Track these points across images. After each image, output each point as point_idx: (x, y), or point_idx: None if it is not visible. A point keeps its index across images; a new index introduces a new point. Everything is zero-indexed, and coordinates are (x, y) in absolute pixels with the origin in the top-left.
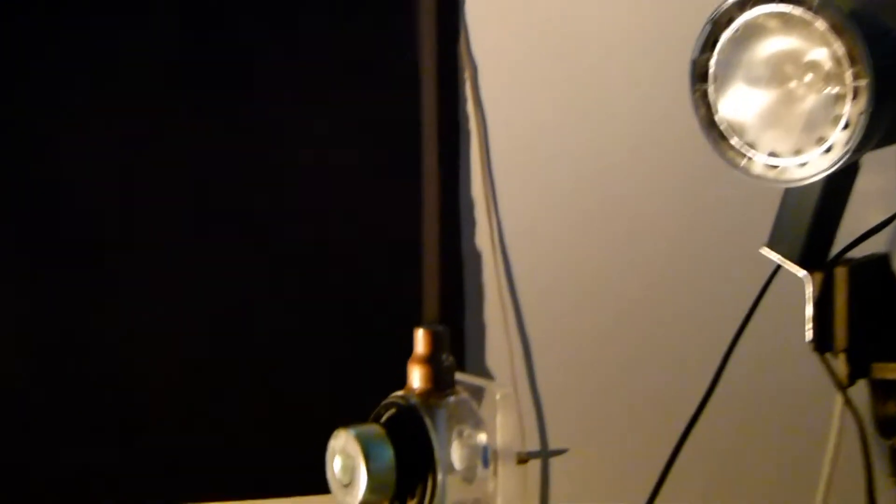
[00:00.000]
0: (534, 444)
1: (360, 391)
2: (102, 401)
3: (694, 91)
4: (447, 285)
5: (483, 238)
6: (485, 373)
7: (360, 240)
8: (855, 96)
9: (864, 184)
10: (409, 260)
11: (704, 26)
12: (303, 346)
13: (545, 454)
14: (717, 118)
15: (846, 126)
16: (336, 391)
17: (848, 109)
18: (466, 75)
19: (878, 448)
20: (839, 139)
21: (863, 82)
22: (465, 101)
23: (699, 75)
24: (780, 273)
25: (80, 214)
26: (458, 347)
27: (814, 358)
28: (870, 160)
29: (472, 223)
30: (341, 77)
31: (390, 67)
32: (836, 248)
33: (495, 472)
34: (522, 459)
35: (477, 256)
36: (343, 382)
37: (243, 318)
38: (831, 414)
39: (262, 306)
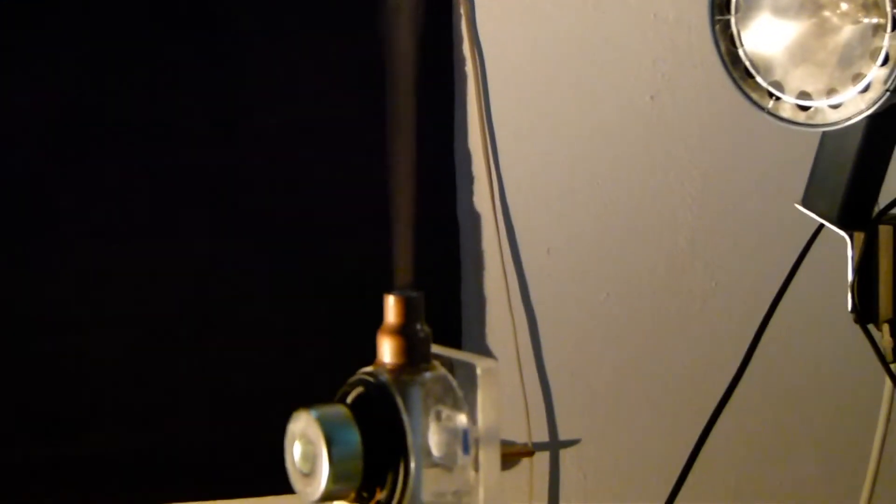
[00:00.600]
0: (542, 434)
1: (340, 366)
2: (53, 391)
3: (714, 22)
4: (440, 253)
5: (482, 197)
6: (485, 353)
7: (336, 199)
8: (895, 26)
9: None
10: (395, 221)
11: None
12: (277, 322)
13: (554, 445)
14: (740, 53)
15: (886, 60)
16: (314, 367)
17: (888, 42)
18: (462, 11)
19: None
20: (878, 76)
21: None
22: (460, 40)
23: (720, 4)
24: (821, 231)
25: (33, 190)
26: (455, 323)
27: (856, 329)
28: None
29: (470, 180)
30: (320, 13)
31: (373, 6)
32: (881, 204)
33: (477, 460)
34: (528, 452)
35: (475, 219)
36: (314, 359)
37: (209, 288)
38: (879, 394)
39: (231, 278)
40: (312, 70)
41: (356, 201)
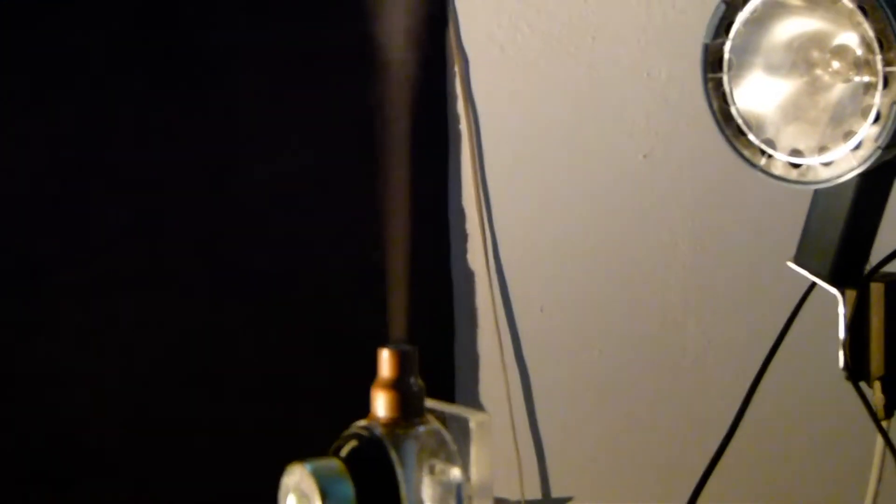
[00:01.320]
0: (534, 492)
1: (325, 420)
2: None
3: (707, 80)
4: (434, 310)
5: (476, 255)
6: (478, 409)
7: (330, 255)
8: (886, 84)
9: None
10: (390, 278)
11: (718, 7)
12: (263, 371)
13: (547, 503)
14: (732, 111)
15: (877, 118)
16: (298, 420)
17: (878, 99)
18: (456, 69)
19: None
20: (869, 133)
21: (895, 69)
22: (454, 98)
23: (712, 63)
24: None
25: (18, 237)
26: (448, 381)
27: (849, 387)
28: None
29: (464, 238)
30: (313, 71)
31: (369, 60)
32: (872, 262)
33: None
34: None
35: (469, 276)
36: (307, 411)
37: (201, 342)
38: (870, 450)
39: (223, 330)
40: (306, 124)
41: (350, 256)
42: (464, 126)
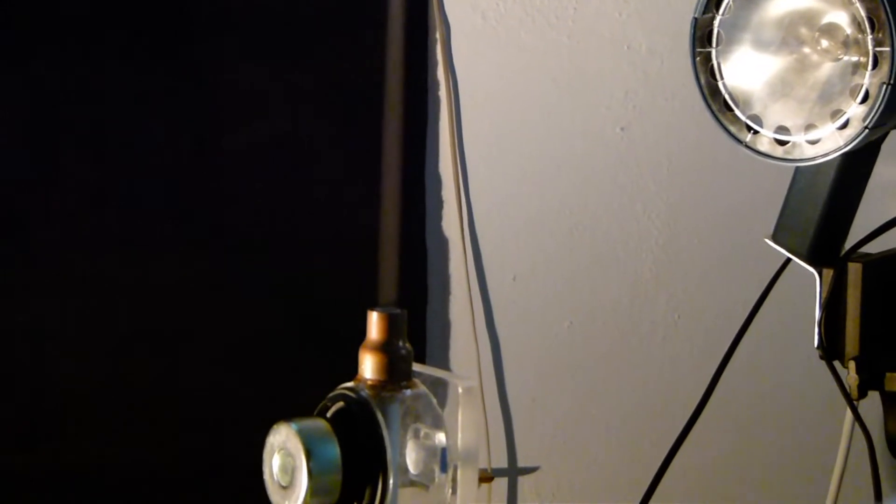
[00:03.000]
0: (501, 461)
1: (310, 382)
2: (19, 400)
3: (695, 55)
4: (407, 275)
5: (451, 222)
6: None
7: (307, 219)
8: (876, 65)
9: (884, 169)
10: (366, 243)
11: None
12: (246, 336)
13: (513, 472)
14: (720, 86)
15: (865, 98)
16: (283, 383)
17: (867, 79)
18: (437, 36)
19: (889, 468)
20: (857, 113)
21: (885, 49)
22: (434, 64)
23: (701, 37)
24: (787, 268)
25: None
26: (419, 347)
27: (822, 366)
28: (891, 142)
29: (439, 204)
30: (293, 34)
31: (349, 25)
32: (851, 242)
33: (454, 479)
34: (487, 477)
35: (443, 243)
36: (290, 374)
37: (183, 303)
38: (840, 429)
39: (201, 292)
40: (285, 88)
41: (326, 220)
42: (443, 93)
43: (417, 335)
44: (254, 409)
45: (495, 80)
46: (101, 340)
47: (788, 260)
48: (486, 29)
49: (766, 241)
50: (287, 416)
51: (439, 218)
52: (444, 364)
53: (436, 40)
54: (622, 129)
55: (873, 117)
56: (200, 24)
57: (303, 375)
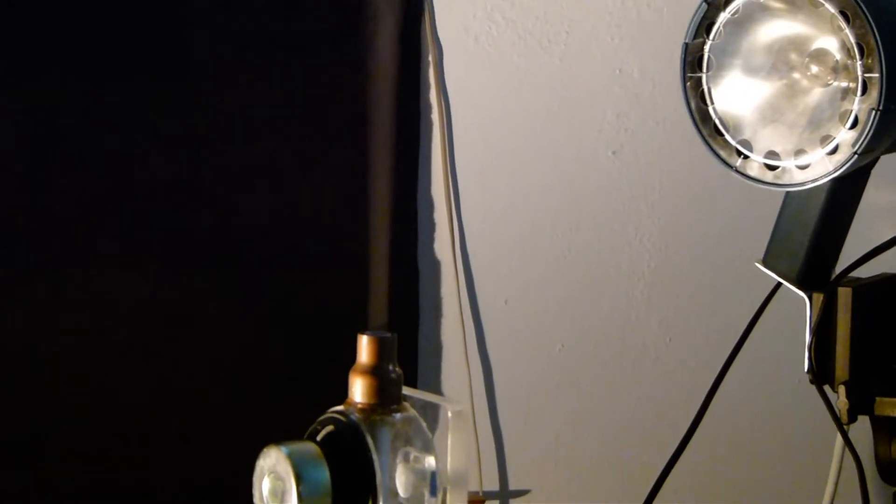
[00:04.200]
0: (492, 483)
1: (300, 405)
2: (9, 417)
3: (686, 80)
4: (399, 297)
5: (443, 245)
6: None
7: (300, 241)
8: (865, 90)
9: (873, 194)
10: (358, 265)
11: (699, 6)
12: (236, 358)
13: (505, 495)
14: (710, 111)
15: (854, 124)
16: (273, 405)
17: (857, 105)
18: (430, 58)
19: (879, 492)
20: (846, 139)
21: (874, 75)
22: (427, 87)
23: (692, 62)
24: (778, 292)
25: None
26: (410, 370)
27: (812, 390)
28: (880, 166)
29: (431, 227)
30: (286, 56)
31: (344, 48)
32: (841, 266)
33: (444, 502)
34: (478, 501)
35: (435, 265)
36: (280, 396)
37: (173, 322)
38: (830, 454)
39: (192, 312)
40: (280, 110)
41: (319, 241)
42: (436, 116)
43: (409, 358)
44: (244, 432)
45: (488, 102)
46: (93, 357)
47: (779, 284)
48: (479, 52)
49: (757, 265)
50: (277, 439)
51: (431, 240)
52: (435, 387)
53: (428, 63)
54: (614, 152)
55: (862, 143)
56: (196, 44)
57: (293, 398)
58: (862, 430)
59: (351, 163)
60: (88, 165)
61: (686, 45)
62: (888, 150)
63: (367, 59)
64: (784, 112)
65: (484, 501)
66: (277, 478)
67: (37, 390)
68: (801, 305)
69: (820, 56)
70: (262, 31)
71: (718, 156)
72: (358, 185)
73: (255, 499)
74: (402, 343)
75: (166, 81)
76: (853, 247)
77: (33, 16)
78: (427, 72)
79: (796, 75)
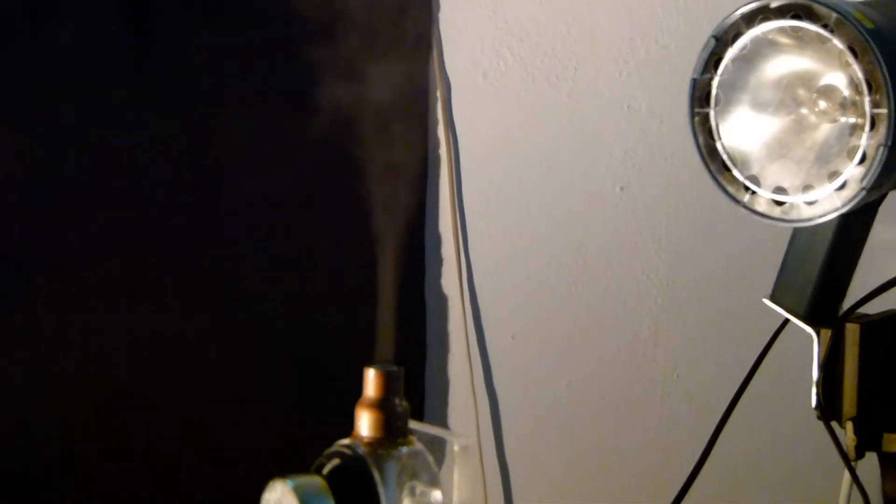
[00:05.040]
0: None
1: (306, 439)
2: (18, 455)
3: (693, 115)
4: (406, 332)
5: (450, 280)
6: None
7: (307, 275)
8: (873, 126)
9: (881, 229)
10: (365, 300)
11: (707, 42)
12: (244, 391)
13: None
14: (718, 146)
15: (863, 160)
16: (279, 438)
17: (865, 141)
18: (438, 94)
19: None
20: (854, 174)
21: (882, 111)
22: (435, 122)
23: (700, 98)
24: (786, 327)
25: None
26: (418, 405)
27: (819, 426)
28: (888, 202)
29: (439, 262)
30: (293, 90)
31: (352, 83)
32: (848, 302)
33: None
34: None
35: (442, 300)
36: (286, 430)
37: (181, 356)
38: (838, 490)
39: (199, 347)
40: (287, 145)
41: (327, 275)
42: (444, 151)
43: (416, 392)
44: (250, 466)
45: (495, 138)
46: (98, 392)
47: (787, 320)
48: (487, 88)
49: (765, 300)
50: (283, 472)
51: (439, 275)
52: (442, 421)
53: (437, 98)
54: (622, 188)
55: (870, 179)
56: (201, 80)
57: (300, 432)
58: (870, 466)
59: (358, 198)
60: (93, 202)
61: (694, 80)
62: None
63: (375, 94)
64: (792, 148)
65: None
66: None
67: (39, 427)
68: (808, 341)
69: (828, 92)
70: (268, 66)
71: (726, 191)
72: (365, 220)
73: None
74: (409, 377)
75: (171, 120)
76: (861, 283)
77: (39, 52)
78: (435, 107)
79: (804, 111)
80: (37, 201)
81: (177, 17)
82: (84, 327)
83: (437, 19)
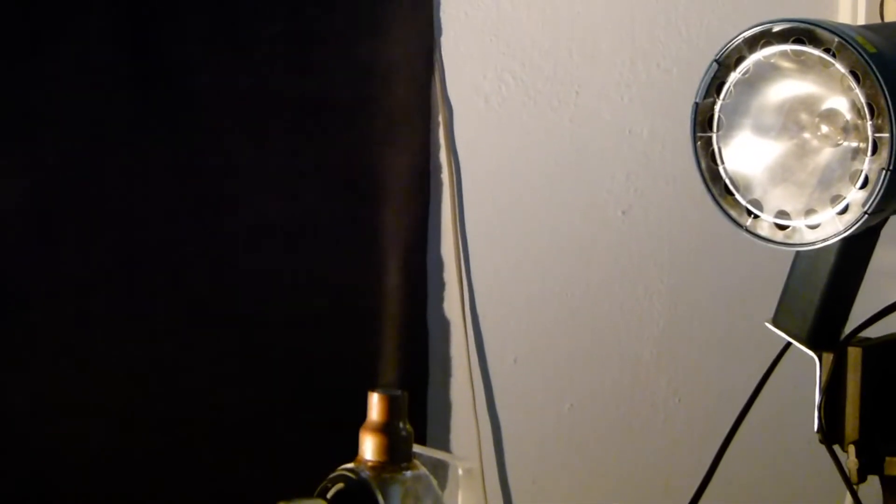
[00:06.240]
0: None
1: (309, 463)
2: (17, 480)
3: (696, 139)
4: (408, 357)
5: (452, 304)
6: None
7: (309, 300)
8: (875, 150)
9: (883, 254)
10: (368, 324)
11: (710, 66)
12: (246, 416)
13: None
14: (720, 170)
15: (865, 184)
16: (283, 463)
17: (867, 165)
18: (440, 119)
19: None
20: (856, 198)
21: (885, 135)
22: (437, 147)
23: (702, 122)
24: (788, 351)
25: None
26: (420, 429)
27: (822, 449)
28: (889, 226)
29: (441, 286)
30: (294, 114)
31: (352, 107)
32: (851, 326)
33: None
34: None
35: (444, 324)
36: (288, 454)
37: (180, 380)
38: None
39: (201, 372)
40: (289, 170)
41: (329, 300)
42: (445, 175)
43: (418, 416)
44: (254, 490)
45: (497, 162)
46: (96, 416)
47: (789, 343)
48: (489, 112)
49: (767, 324)
50: (288, 496)
51: (441, 299)
52: (444, 446)
53: (438, 123)
54: (623, 212)
55: (873, 202)
56: (202, 104)
57: (303, 456)
58: (872, 490)
59: (360, 222)
60: (93, 226)
61: (696, 104)
62: None
63: (377, 118)
64: (794, 172)
65: None
66: None
67: (37, 451)
68: (811, 365)
69: (830, 116)
70: (272, 89)
71: (729, 215)
72: (367, 245)
73: None
74: (411, 401)
75: (171, 144)
76: (863, 306)
77: (39, 72)
78: (437, 132)
79: (807, 135)
80: (36, 222)
81: (179, 38)
82: (83, 348)
83: (440, 43)
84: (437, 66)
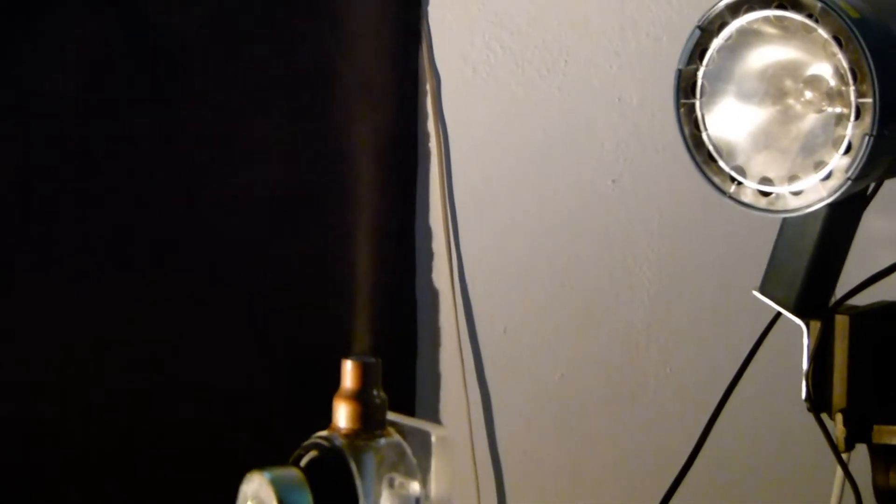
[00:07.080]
0: None
1: (285, 431)
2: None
3: (679, 106)
4: (397, 327)
5: (441, 274)
6: None
7: (296, 271)
8: (858, 116)
9: (870, 220)
10: (355, 294)
11: (692, 32)
12: (234, 388)
13: None
14: (704, 137)
15: (848, 149)
16: (258, 430)
17: (850, 131)
18: (428, 88)
19: None
20: (840, 164)
21: (868, 100)
22: (425, 116)
23: (685, 88)
24: (778, 320)
25: None
26: (408, 399)
27: (810, 418)
28: (880, 194)
29: (429, 256)
30: (283, 86)
31: (340, 77)
32: (839, 294)
33: None
34: None
35: (433, 295)
36: (275, 424)
37: (164, 352)
38: (830, 482)
39: (190, 342)
40: (275, 139)
41: (317, 270)
42: (433, 144)
43: (407, 387)
44: (228, 458)
45: (485, 132)
46: (89, 390)
47: (780, 314)
48: (477, 81)
49: (754, 292)
50: (261, 464)
51: (429, 270)
52: (434, 416)
53: (426, 92)
54: (613, 180)
55: (856, 169)
56: (192, 77)
57: (291, 427)
58: (862, 457)
59: (348, 193)
60: (83, 201)
61: (679, 71)
62: (884, 176)
63: (364, 88)
64: (777, 138)
65: None
66: (260, 503)
67: (30, 428)
68: (799, 333)
69: (814, 82)
70: (256, 64)
71: (712, 182)
72: (355, 215)
73: None
74: (400, 372)
75: (162, 117)
76: (851, 274)
77: (32, 50)
78: (424, 101)
79: (790, 101)
80: (26, 202)
81: (165, 9)
82: (74, 327)
83: (427, 13)
84: (424, 35)
